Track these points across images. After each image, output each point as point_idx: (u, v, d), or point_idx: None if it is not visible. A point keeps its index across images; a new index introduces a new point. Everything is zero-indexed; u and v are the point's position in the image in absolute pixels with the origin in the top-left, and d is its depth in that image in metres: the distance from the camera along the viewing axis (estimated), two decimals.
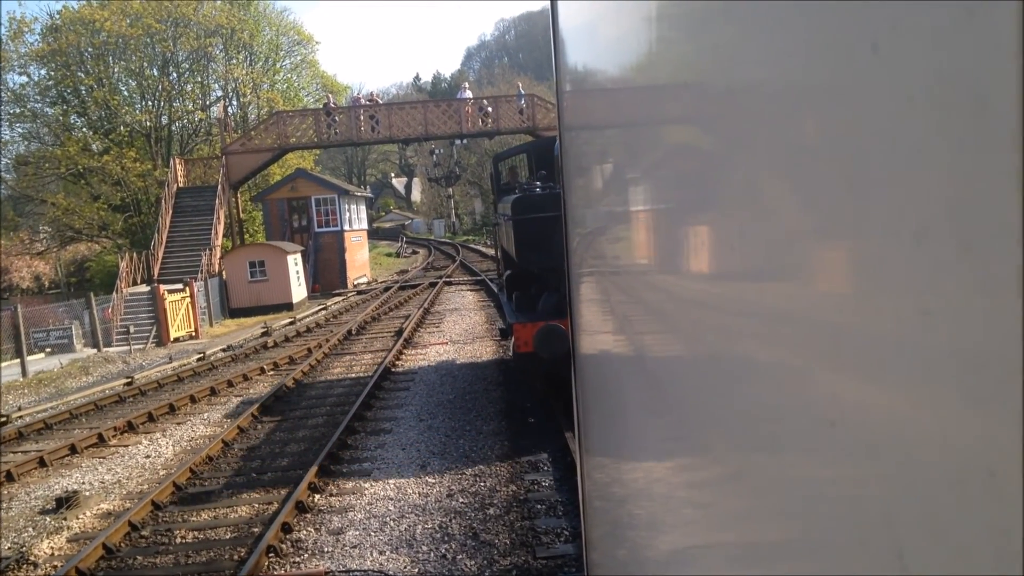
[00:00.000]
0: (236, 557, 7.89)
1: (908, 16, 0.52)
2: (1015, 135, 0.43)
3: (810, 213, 0.72)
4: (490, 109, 36.21)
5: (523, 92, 37.88)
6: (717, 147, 1.03)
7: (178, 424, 13.56)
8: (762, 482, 0.89)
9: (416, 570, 7.24)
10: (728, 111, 0.94)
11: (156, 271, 30.29)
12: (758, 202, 0.87)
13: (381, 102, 39.66)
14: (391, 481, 9.62)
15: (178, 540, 8.48)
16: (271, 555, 7.74)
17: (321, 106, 37.01)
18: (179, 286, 26.68)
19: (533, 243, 11.09)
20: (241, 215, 38.09)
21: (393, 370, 16.28)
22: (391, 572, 7.23)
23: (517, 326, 10.95)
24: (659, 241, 1.49)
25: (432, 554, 7.54)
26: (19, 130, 45.27)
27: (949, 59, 0.48)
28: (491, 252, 50.50)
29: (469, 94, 38.36)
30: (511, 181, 14.98)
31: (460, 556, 7.46)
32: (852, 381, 0.65)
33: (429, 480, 9.59)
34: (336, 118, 35.45)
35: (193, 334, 26.27)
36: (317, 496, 9.28)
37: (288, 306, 30.59)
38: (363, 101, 38.30)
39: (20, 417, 15.10)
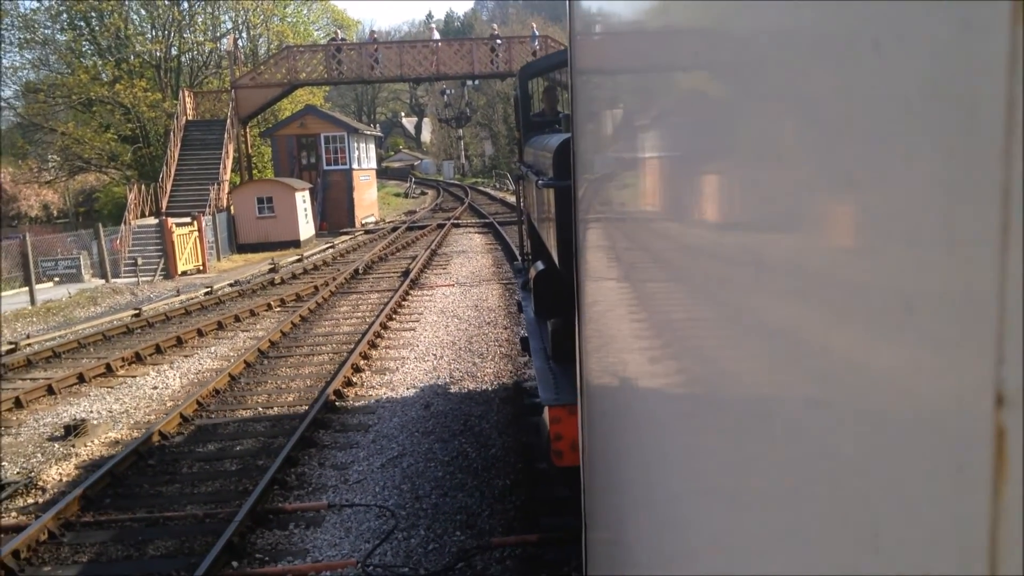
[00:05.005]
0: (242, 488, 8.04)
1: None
2: (1001, 147, 0.43)
3: (820, 162, 0.71)
4: (496, 45, 35.87)
5: (537, 33, 37.29)
6: (730, 93, 1.01)
7: (185, 357, 13.69)
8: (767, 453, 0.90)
9: None
10: (742, 56, 0.92)
11: (164, 204, 30.24)
12: (767, 151, 0.86)
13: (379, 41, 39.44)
14: None
15: (184, 470, 8.64)
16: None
17: (330, 41, 36.53)
18: (187, 219, 26.66)
19: None
20: (250, 150, 37.84)
21: (399, 311, 16.37)
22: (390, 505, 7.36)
23: (557, 412, 5.00)
24: (672, 189, 1.48)
25: None
26: (28, 56, 44.85)
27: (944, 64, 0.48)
28: (499, 195, 50.20)
29: (436, 35, 38.93)
30: (547, 110, 9.56)
31: None
32: (845, 347, 0.66)
33: None
34: (345, 55, 35.02)
35: (201, 268, 26.35)
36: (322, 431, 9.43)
37: (295, 243, 30.60)
38: (375, 39, 37.94)
39: (28, 345, 15.26)
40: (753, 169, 0.90)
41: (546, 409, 5.26)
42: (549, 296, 6.77)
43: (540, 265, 7.37)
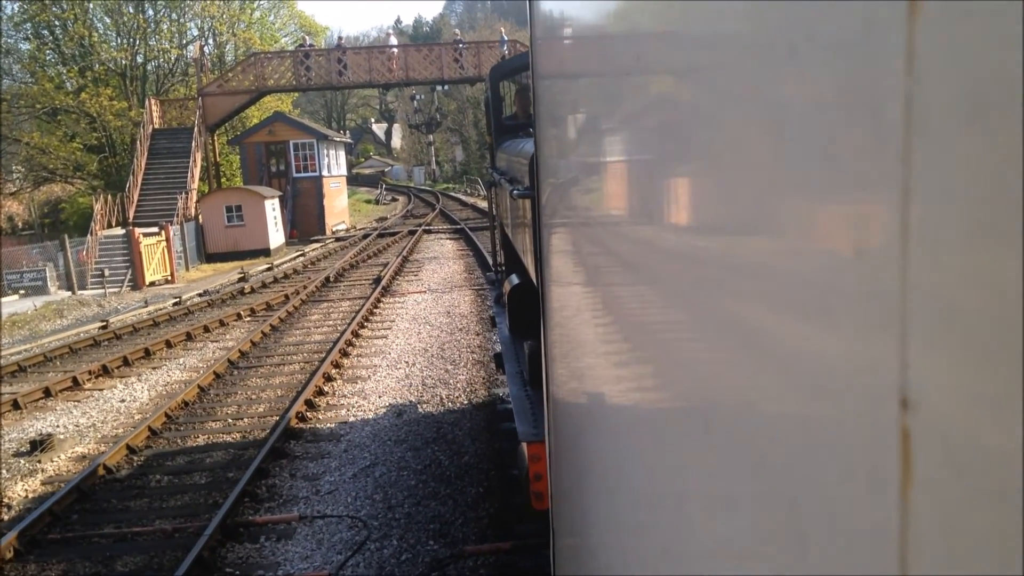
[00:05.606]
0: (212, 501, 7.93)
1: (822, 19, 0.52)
2: (900, 146, 0.44)
3: (753, 165, 0.70)
4: (464, 50, 35.92)
5: (506, 38, 37.34)
6: (674, 97, 1.00)
7: (154, 369, 13.52)
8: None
9: None
10: (686, 60, 0.91)
11: (131, 214, 29.87)
12: (705, 154, 0.85)
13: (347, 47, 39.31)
14: None
15: (153, 484, 8.51)
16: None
17: (298, 47, 36.39)
18: (155, 230, 26.34)
19: None
20: (218, 158, 37.51)
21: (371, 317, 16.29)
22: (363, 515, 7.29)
23: (536, 449, 4.39)
24: (634, 194, 1.47)
25: None
26: None
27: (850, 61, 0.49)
28: (471, 201, 50.14)
29: (394, 40, 39.52)
30: (520, 113, 8.87)
31: None
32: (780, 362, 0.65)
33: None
34: (313, 61, 34.87)
35: (169, 278, 26.05)
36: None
37: (265, 252, 30.36)
38: (342, 45, 37.80)
39: None
40: (693, 172, 0.90)
41: (523, 445, 4.63)
42: (525, 314, 6.16)
43: (515, 279, 6.95)
